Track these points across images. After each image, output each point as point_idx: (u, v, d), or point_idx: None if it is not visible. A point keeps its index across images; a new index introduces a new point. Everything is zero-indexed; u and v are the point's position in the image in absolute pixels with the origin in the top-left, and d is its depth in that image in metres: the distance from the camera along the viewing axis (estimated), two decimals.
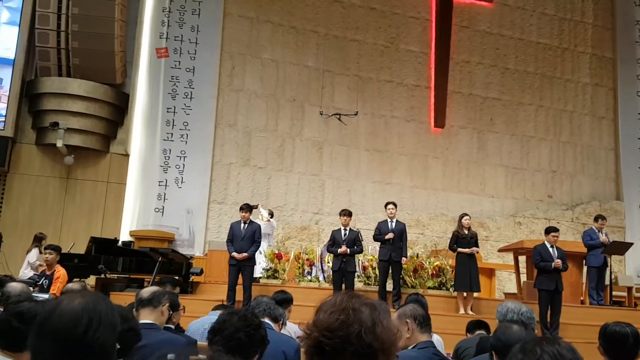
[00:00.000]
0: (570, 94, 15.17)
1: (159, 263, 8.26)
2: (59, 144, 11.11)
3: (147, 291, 3.11)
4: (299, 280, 9.04)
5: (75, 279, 7.33)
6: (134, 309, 3.07)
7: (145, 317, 2.99)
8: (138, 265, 9.16)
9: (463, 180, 14.04)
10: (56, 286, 6.70)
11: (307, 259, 9.28)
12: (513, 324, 2.46)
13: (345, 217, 8.40)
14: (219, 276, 9.81)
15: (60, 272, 7.06)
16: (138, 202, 11.94)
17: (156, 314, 3.01)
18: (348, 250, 8.15)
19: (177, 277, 7.38)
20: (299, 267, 9.20)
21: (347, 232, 8.35)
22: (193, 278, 9.27)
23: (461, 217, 8.57)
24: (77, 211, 11.63)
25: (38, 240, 9.24)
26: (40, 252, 9.00)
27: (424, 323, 2.97)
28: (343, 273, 8.11)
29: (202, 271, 9.47)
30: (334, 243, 8.32)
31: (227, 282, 8.07)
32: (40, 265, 8.72)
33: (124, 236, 11.36)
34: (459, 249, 8.32)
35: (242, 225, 8.13)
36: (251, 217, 8.32)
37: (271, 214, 10.35)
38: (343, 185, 13.23)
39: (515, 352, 1.50)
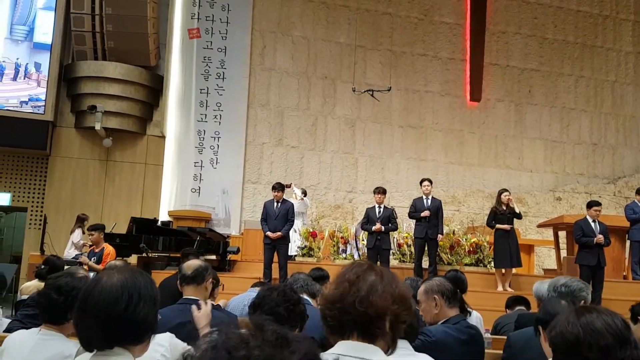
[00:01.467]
0: (612, 63, 14.59)
1: (197, 242, 8.42)
2: (98, 126, 11.35)
3: (190, 267, 3.07)
4: (334, 258, 9.10)
5: (117, 258, 7.57)
6: (178, 283, 3.11)
7: (190, 294, 3.01)
8: (177, 244, 9.35)
9: (500, 155, 13.76)
10: (106, 262, 7.01)
11: (342, 237, 9.32)
12: (561, 299, 2.41)
13: (379, 195, 8.36)
14: (255, 254, 9.96)
15: (109, 249, 7.54)
16: (175, 183, 12.16)
17: (200, 290, 3.03)
18: (382, 227, 8.13)
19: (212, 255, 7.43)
20: (334, 245, 9.25)
21: (382, 209, 8.32)
22: (230, 256, 9.43)
23: (500, 192, 8.40)
24: (117, 192, 11.93)
25: (81, 221, 9.53)
26: (84, 232, 9.30)
27: (452, 298, 2.93)
28: (378, 250, 8.11)
29: (238, 250, 9.62)
30: (368, 221, 8.32)
31: (262, 260, 8.18)
32: (85, 244, 9.02)
33: (163, 216, 11.61)
34: (497, 225, 8.19)
35: (275, 204, 8.19)
36: (284, 196, 8.37)
37: (304, 193, 10.39)
38: (376, 163, 13.14)
39: (570, 318, 1.46)
